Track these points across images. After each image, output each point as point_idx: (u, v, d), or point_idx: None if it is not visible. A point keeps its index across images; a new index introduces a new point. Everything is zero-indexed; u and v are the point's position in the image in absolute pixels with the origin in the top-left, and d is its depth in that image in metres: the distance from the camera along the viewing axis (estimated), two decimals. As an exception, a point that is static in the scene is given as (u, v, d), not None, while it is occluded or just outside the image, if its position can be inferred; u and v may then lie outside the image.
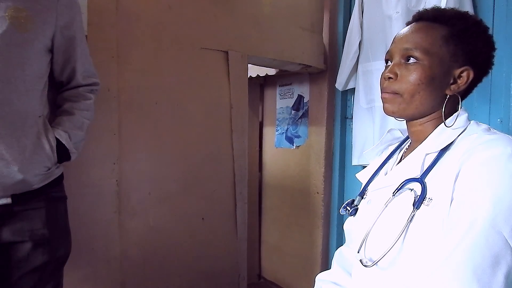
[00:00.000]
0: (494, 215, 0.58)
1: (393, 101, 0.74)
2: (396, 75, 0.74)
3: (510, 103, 1.45)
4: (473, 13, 0.74)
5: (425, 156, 0.73)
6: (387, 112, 0.77)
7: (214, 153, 1.77)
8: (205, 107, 1.73)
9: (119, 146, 1.48)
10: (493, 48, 0.75)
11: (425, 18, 0.75)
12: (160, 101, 1.60)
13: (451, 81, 0.73)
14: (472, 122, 0.74)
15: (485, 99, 1.52)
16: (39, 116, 1.02)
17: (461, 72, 0.72)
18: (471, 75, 0.73)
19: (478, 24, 0.74)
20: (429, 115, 0.75)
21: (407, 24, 0.79)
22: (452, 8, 0.77)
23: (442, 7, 0.77)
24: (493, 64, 0.76)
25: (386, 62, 0.79)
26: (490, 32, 0.75)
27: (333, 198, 2.25)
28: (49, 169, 1.04)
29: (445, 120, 0.73)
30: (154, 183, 1.59)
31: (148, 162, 1.58)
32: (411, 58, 0.72)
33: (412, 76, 0.72)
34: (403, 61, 0.74)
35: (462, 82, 0.73)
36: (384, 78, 0.76)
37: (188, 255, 1.70)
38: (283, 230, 2.54)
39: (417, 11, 0.79)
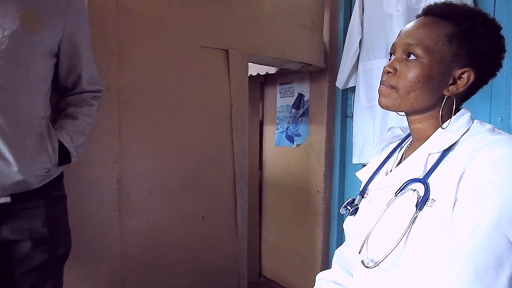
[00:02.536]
0: (499, 216, 0.58)
1: (389, 95, 0.74)
2: (396, 70, 0.73)
3: (510, 102, 1.45)
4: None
5: (428, 156, 0.72)
6: (381, 105, 0.76)
7: (214, 152, 1.77)
8: (205, 106, 1.73)
9: (120, 145, 1.48)
10: (501, 50, 0.72)
11: (432, 13, 0.73)
12: (160, 99, 1.59)
13: (450, 82, 0.71)
14: (475, 121, 0.72)
15: (486, 98, 1.52)
16: (42, 118, 1.03)
17: (462, 73, 0.71)
18: (472, 77, 0.71)
19: (486, 23, 0.70)
20: (426, 112, 0.75)
21: (417, 17, 0.77)
22: (464, 4, 0.75)
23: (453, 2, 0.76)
24: (501, 66, 0.73)
25: (390, 55, 0.78)
26: (501, 32, 0.71)
27: (333, 196, 2.25)
28: (49, 170, 1.04)
29: (442, 120, 0.73)
30: (155, 181, 1.59)
31: (148, 160, 1.58)
32: (412, 55, 0.71)
33: (410, 73, 0.71)
34: (404, 56, 0.73)
35: (462, 83, 0.71)
36: (383, 72, 0.76)
37: (188, 254, 1.70)
38: (284, 229, 2.54)
39: (422, 8, 0.77)
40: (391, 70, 0.73)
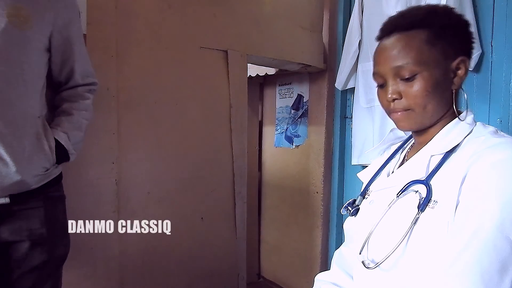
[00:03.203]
0: (501, 219, 0.58)
1: (408, 118, 0.73)
2: (400, 94, 0.73)
3: (509, 103, 1.45)
4: (456, 8, 0.74)
5: (431, 157, 0.72)
6: (404, 129, 0.76)
7: (214, 153, 1.77)
8: (204, 107, 1.73)
9: (118, 146, 1.47)
10: (468, 24, 0.74)
11: (399, 29, 0.73)
12: (160, 100, 1.59)
13: (452, 76, 0.73)
14: (478, 123, 0.73)
15: (485, 99, 1.52)
16: (38, 117, 1.01)
17: (458, 64, 0.72)
18: (468, 63, 0.73)
19: (448, 13, 0.73)
20: (441, 118, 0.75)
21: (380, 38, 0.77)
22: (419, 6, 0.76)
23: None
24: (473, 35, 0.76)
25: (378, 83, 0.77)
26: (457, 10, 0.75)
27: (332, 197, 2.24)
28: (47, 169, 1.03)
29: (457, 114, 0.74)
30: (153, 182, 1.59)
31: (147, 161, 1.57)
32: (407, 73, 0.71)
33: (417, 89, 0.70)
34: (399, 79, 0.72)
35: (462, 72, 0.73)
36: (387, 101, 0.75)
37: (187, 255, 1.69)
38: (283, 230, 2.54)
39: (383, 22, 0.77)
40: (397, 97, 0.73)
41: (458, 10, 0.75)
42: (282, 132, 2.52)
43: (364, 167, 0.96)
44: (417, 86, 0.70)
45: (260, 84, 2.73)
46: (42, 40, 1.02)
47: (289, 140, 2.45)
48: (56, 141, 1.05)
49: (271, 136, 2.63)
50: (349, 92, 2.15)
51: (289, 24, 2.01)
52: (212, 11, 1.72)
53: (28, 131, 0.97)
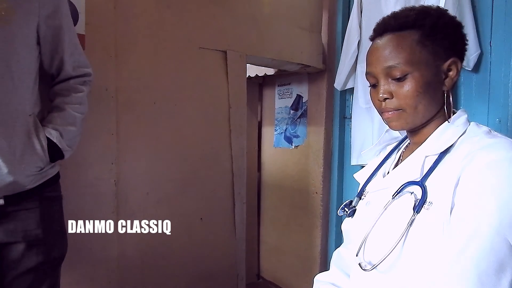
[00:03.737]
0: (499, 220, 0.58)
1: (399, 118, 0.74)
2: (391, 94, 0.73)
3: (508, 103, 1.45)
4: (444, 7, 0.74)
5: (425, 158, 0.73)
6: (395, 129, 0.76)
7: (213, 153, 1.77)
8: (203, 107, 1.73)
9: (117, 146, 1.47)
10: (461, 26, 0.75)
11: (390, 29, 0.73)
12: (159, 100, 1.59)
13: (444, 77, 0.73)
14: (472, 123, 0.73)
15: (484, 99, 1.52)
16: (30, 115, 0.98)
17: (449, 65, 0.73)
18: (459, 64, 0.73)
19: (441, 14, 0.73)
20: (434, 117, 0.75)
21: (373, 38, 0.77)
22: (412, 7, 0.76)
23: (441, 6, 0.77)
24: (466, 36, 0.76)
25: (371, 83, 0.78)
26: (450, 13, 0.75)
27: (331, 198, 2.24)
28: (41, 169, 1.01)
29: (448, 115, 0.74)
30: (152, 183, 1.59)
31: (146, 162, 1.57)
32: (399, 73, 0.71)
33: (408, 90, 0.71)
34: (390, 79, 0.73)
35: (453, 74, 0.73)
36: (379, 100, 0.75)
37: (186, 256, 1.69)
38: (282, 230, 2.53)
39: (376, 23, 0.77)
40: (388, 96, 0.74)
41: (457, 11, 0.76)
42: (281, 133, 2.52)
43: (363, 167, 0.97)
44: (408, 86, 0.71)
45: (259, 84, 2.73)
46: (29, 34, 0.98)
47: (288, 140, 2.45)
48: (48, 139, 1.01)
49: (270, 136, 2.63)
50: (348, 93, 2.15)
51: (288, 25, 2.01)
52: (211, 11, 1.72)
53: (19, 130, 0.95)
